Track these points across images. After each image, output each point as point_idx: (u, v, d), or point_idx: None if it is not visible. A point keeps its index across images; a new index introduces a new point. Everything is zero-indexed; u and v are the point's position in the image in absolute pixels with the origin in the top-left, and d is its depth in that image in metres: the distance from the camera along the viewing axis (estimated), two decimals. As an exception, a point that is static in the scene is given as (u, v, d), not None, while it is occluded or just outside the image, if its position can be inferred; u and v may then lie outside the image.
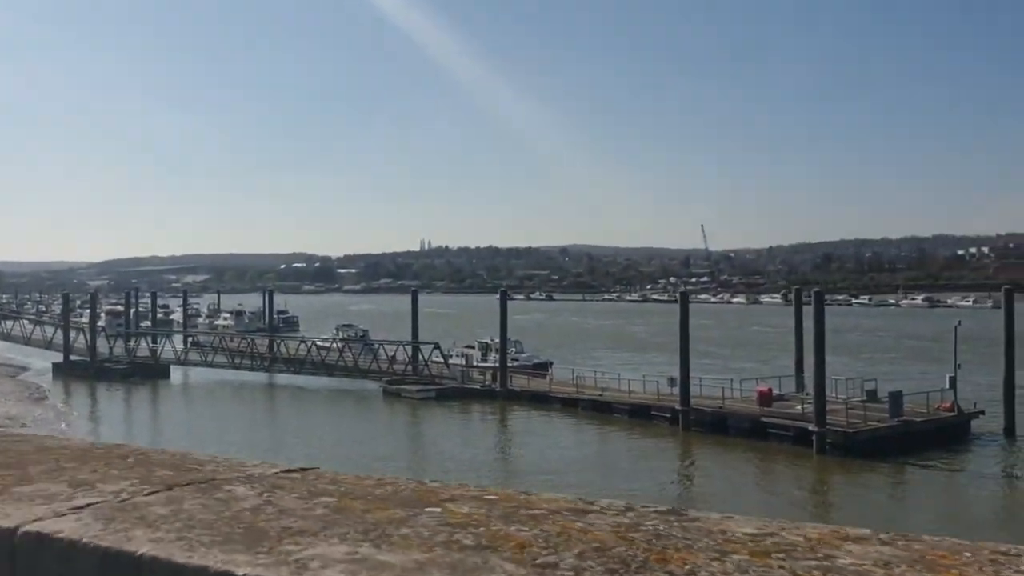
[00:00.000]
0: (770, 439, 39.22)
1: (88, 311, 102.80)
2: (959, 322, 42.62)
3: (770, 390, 42.15)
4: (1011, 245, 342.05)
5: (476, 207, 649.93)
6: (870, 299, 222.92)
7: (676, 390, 46.82)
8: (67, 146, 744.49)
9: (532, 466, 36.38)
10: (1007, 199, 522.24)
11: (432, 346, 60.05)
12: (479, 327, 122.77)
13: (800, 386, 48.27)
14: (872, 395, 43.17)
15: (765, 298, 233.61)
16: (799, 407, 41.42)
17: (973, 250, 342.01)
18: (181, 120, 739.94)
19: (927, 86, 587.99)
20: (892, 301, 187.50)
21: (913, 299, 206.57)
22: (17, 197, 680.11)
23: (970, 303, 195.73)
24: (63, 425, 46.88)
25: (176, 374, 69.80)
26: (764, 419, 39.89)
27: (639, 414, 45.76)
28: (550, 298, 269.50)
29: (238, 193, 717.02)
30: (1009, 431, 40.53)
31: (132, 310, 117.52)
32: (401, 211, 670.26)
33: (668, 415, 43.96)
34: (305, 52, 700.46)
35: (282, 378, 66.17)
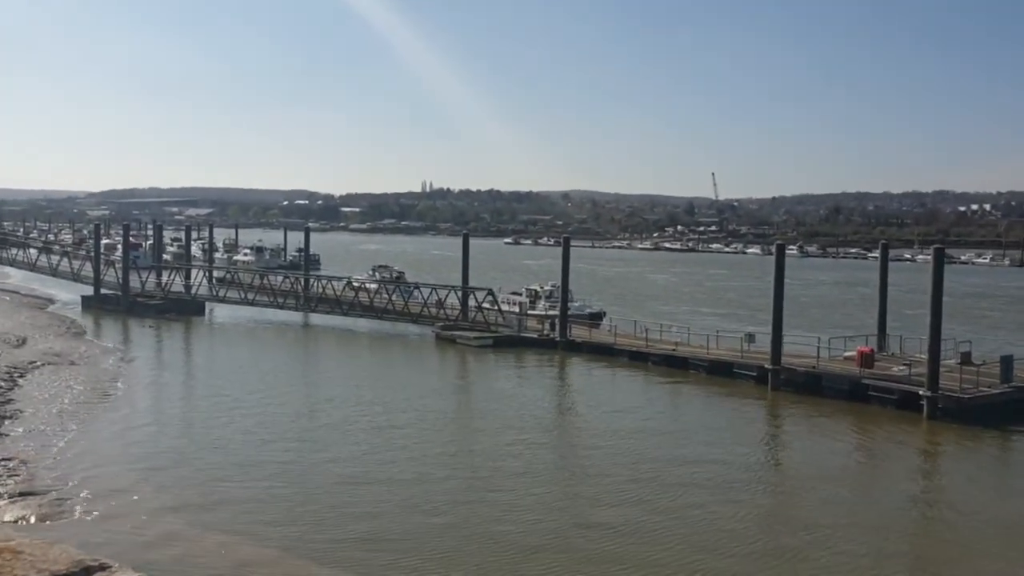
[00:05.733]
0: (871, 402, 37.10)
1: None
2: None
3: (872, 350, 39.92)
4: (1013, 203, 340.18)
5: (476, 150, 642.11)
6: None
7: (751, 346, 44.96)
8: (66, 72, 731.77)
9: (601, 426, 34.04)
10: (1007, 157, 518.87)
11: (485, 291, 57.68)
12: (497, 271, 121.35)
13: (883, 346, 46.23)
14: (967, 357, 40.97)
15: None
16: (896, 368, 39.31)
17: (975, 207, 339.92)
18: (183, 49, 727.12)
19: (931, 46, 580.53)
20: (908, 256, 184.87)
21: (928, 254, 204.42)
22: (13, 122, 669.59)
23: (987, 260, 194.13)
24: (110, 363, 44.60)
25: (207, 311, 67.69)
26: (866, 381, 37.69)
27: (719, 371, 43.49)
28: (559, 243, 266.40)
29: (238, 126, 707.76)
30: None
31: (149, 242, 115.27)
32: (401, 151, 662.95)
33: (754, 373, 41.73)
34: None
35: (318, 319, 64.11)
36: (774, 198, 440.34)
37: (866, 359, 38.74)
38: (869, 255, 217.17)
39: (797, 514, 24.31)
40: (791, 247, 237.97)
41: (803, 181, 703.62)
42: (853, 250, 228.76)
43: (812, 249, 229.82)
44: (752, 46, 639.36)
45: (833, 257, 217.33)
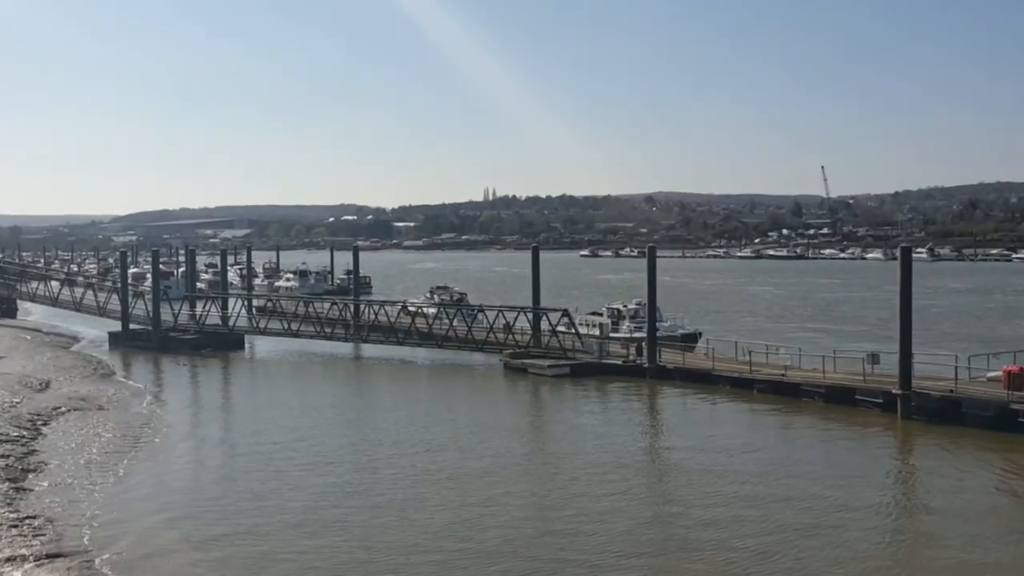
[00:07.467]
0: (1023, 431, 35.99)
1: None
2: None
3: (1022, 369, 38.76)
4: None
5: (544, 151, 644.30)
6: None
7: (875, 368, 44.03)
8: (86, 81, 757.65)
9: (705, 469, 33.22)
10: None
11: (560, 313, 57.72)
12: (573, 289, 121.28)
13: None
14: None
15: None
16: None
17: None
18: (216, 52, 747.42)
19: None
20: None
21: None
22: (27, 141, 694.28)
23: None
24: (142, 407, 45.77)
25: (247, 344, 69.18)
26: (1015, 406, 36.56)
27: (838, 398, 42.70)
28: (643, 254, 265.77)
29: (278, 136, 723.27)
30: None
31: (181, 270, 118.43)
32: (460, 156, 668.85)
33: (880, 400, 40.90)
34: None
35: (371, 349, 64.95)
36: (896, 193, 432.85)
37: (1015, 380, 37.63)
38: (1014, 256, 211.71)
39: (942, 567, 23.61)
40: (919, 250, 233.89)
41: (931, 172, 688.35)
42: (994, 251, 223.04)
43: (944, 251, 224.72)
44: (862, 21, 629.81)
45: (970, 260, 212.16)
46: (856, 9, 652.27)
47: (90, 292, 78.99)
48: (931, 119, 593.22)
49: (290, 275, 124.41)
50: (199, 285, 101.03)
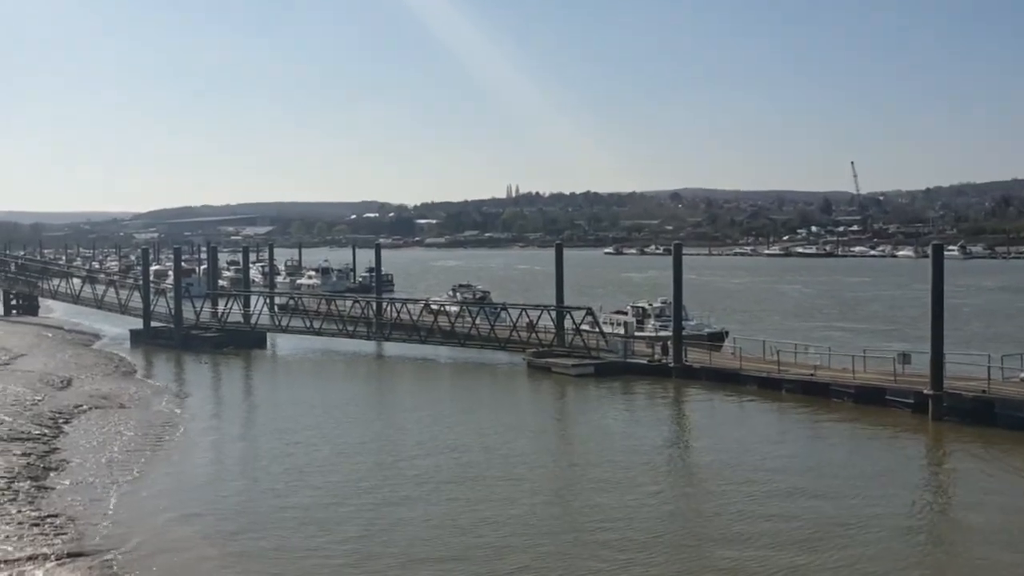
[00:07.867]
0: (1058, 433, 35.66)
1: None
2: None
3: (1058, 370, 38.45)
4: None
5: (568, 148, 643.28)
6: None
7: (906, 368, 43.67)
8: (106, 78, 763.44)
9: (733, 470, 32.95)
10: None
11: (584, 311, 57.66)
12: (597, 287, 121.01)
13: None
14: None
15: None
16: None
17: None
18: (237, 48, 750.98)
19: None
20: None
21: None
22: (48, 137, 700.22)
23: None
24: (163, 405, 46.02)
25: (269, 342, 69.44)
26: (1050, 407, 36.24)
27: (868, 398, 42.40)
28: (669, 252, 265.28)
29: (300, 133, 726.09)
30: None
31: (202, 267, 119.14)
32: (483, 153, 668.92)
33: (911, 400, 40.58)
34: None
35: (393, 348, 65.10)
36: (928, 189, 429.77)
37: (1050, 381, 37.23)
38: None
39: (975, 568, 23.40)
40: (950, 247, 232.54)
41: (963, 168, 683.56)
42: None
43: (976, 249, 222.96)
44: (892, 17, 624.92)
45: (1003, 258, 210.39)
46: (886, 5, 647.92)
47: (112, 289, 79.68)
48: (963, 115, 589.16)
49: (312, 273, 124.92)
50: (221, 283, 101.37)
